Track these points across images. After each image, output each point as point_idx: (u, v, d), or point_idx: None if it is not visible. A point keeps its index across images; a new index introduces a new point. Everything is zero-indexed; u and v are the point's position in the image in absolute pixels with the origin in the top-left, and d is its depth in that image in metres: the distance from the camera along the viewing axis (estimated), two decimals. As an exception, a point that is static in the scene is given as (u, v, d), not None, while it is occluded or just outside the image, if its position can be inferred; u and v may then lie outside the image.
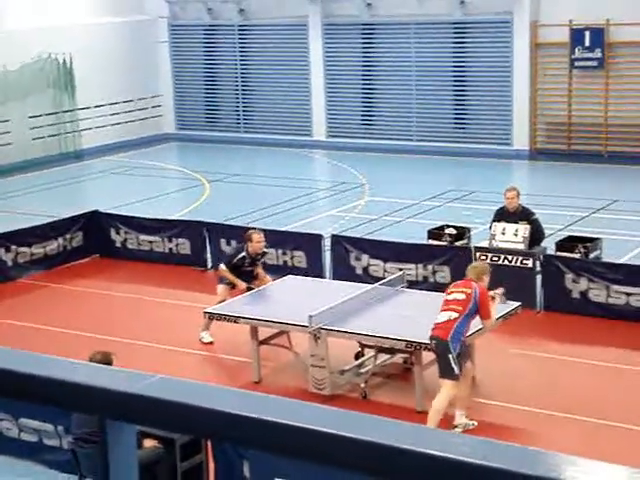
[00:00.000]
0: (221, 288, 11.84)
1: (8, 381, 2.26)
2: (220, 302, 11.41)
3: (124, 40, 26.12)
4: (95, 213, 15.80)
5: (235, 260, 11.83)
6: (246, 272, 11.86)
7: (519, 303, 10.48)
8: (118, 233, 15.57)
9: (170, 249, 15.16)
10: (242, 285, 11.75)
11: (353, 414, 2.05)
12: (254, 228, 12.66)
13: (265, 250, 12.19)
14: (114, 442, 2.13)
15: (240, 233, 14.54)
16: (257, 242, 11.85)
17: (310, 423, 1.99)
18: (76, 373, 2.14)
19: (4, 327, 12.36)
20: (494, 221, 13.11)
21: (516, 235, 12.73)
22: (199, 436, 6.43)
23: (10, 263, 14.55)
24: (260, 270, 12.09)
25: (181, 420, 2.07)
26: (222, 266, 11.93)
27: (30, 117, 23.77)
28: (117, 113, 26.06)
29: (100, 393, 2.06)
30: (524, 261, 12.57)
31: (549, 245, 13.20)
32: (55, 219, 15.60)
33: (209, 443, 7.81)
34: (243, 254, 11.85)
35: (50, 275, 14.74)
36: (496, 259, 12.62)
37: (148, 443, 7.68)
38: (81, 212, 15.89)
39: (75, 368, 2.19)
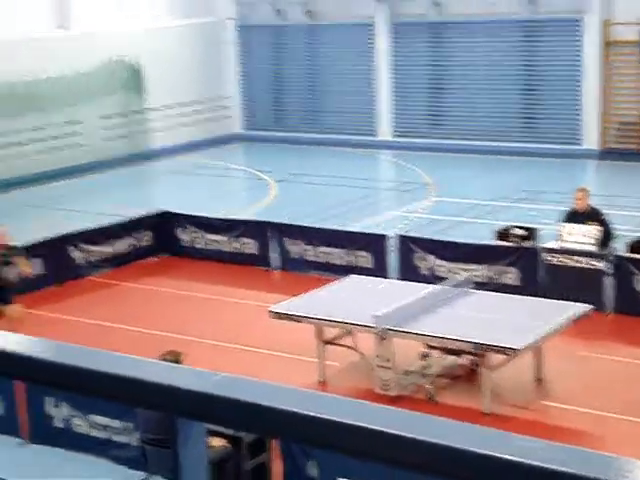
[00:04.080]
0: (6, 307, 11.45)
1: (79, 378, 2.30)
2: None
3: (193, 42, 26.40)
4: (164, 213, 16.00)
5: None
6: (4, 275, 11.43)
7: (589, 305, 10.32)
8: (186, 232, 15.74)
9: (236, 248, 15.27)
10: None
11: (419, 415, 2.04)
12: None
13: (10, 244, 11.72)
14: (184, 440, 2.15)
15: (305, 233, 14.64)
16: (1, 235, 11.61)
17: (375, 424, 1.98)
18: (147, 371, 2.17)
19: (74, 324, 12.59)
20: (564, 222, 12.93)
21: (585, 236, 12.53)
22: (266, 435, 6.47)
23: (81, 261, 14.81)
24: (20, 259, 11.69)
25: (249, 419, 2.08)
26: None
27: (101, 118, 24.17)
28: (186, 114, 26.35)
29: (171, 391, 2.08)
30: (593, 262, 12.37)
31: (620, 247, 12.97)
32: (125, 218, 15.84)
33: (274, 442, 7.85)
34: None
35: (119, 273, 14.97)
36: (565, 260, 12.45)
37: (216, 442, 7.75)
38: (150, 212, 16.12)
39: (146, 366, 2.22)
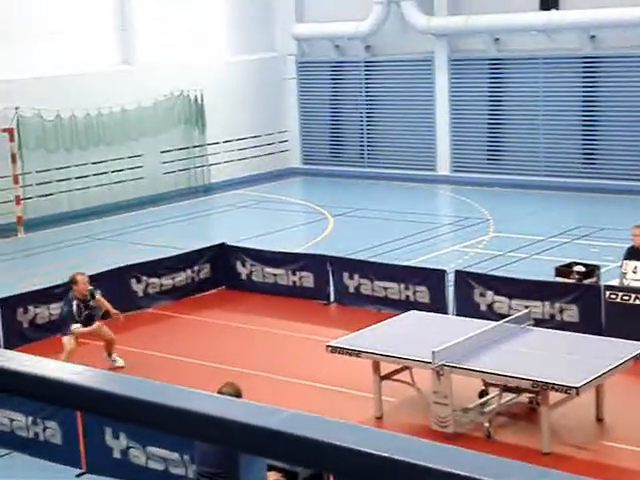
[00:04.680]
0: (66, 339, 12.00)
1: (140, 411, 2.32)
2: (69, 353, 11.72)
3: (253, 77, 26.73)
4: (222, 246, 16.13)
5: (74, 311, 12.00)
6: (88, 319, 12.12)
7: (651, 344, 10.14)
8: (244, 265, 15.84)
9: (294, 282, 15.31)
10: (98, 326, 12.21)
11: (476, 454, 2.03)
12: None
13: (91, 288, 12.29)
14: (246, 474, 2.17)
15: (362, 267, 14.63)
16: (83, 283, 12.11)
17: (432, 462, 1.98)
18: (211, 405, 2.19)
19: (134, 355, 12.70)
20: (625, 259, 12.75)
21: (648, 274, 12.33)
22: (325, 471, 6.44)
23: (140, 293, 14.97)
24: (103, 303, 12.38)
25: (309, 455, 2.09)
26: (74, 327, 12.00)
27: (162, 152, 24.54)
28: (245, 148, 26.62)
29: (235, 426, 2.10)
30: (656, 301, 12.15)
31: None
32: (184, 251, 16.00)
33: (331, 477, 7.81)
34: (74, 302, 12.03)
35: (178, 306, 15.10)
36: (627, 298, 12.26)
37: (272, 476, 7.73)
38: (209, 245, 16.26)
39: (211, 400, 2.25)
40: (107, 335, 12.38)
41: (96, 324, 12.29)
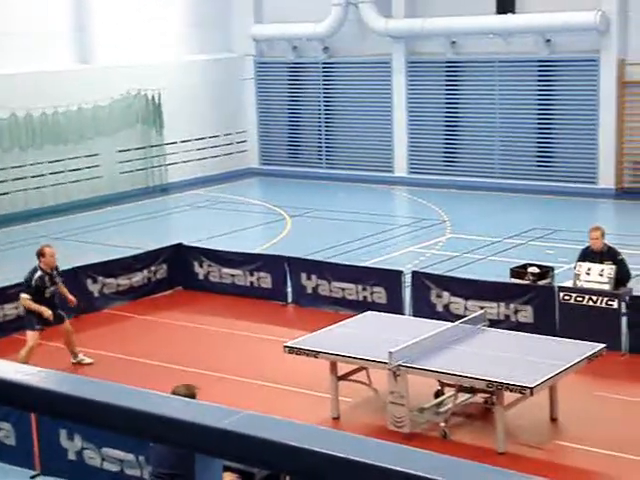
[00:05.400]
0: (30, 335, 11.68)
1: (94, 411, 2.32)
2: (31, 349, 11.39)
3: (211, 77, 26.64)
4: (179, 246, 16.07)
5: (34, 282, 11.65)
6: (50, 295, 11.76)
7: (604, 345, 10.29)
8: (201, 266, 15.78)
9: (251, 283, 15.30)
10: (47, 312, 11.61)
11: (431, 454, 2.05)
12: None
13: (58, 266, 12.05)
14: (201, 475, 2.17)
15: (320, 268, 14.66)
16: (50, 256, 11.83)
17: (387, 462, 2.00)
18: (167, 407, 2.19)
19: (90, 356, 12.59)
20: (579, 261, 12.91)
21: (601, 275, 12.51)
22: (282, 472, 6.45)
23: (96, 294, 14.86)
24: (62, 288, 12.07)
25: (266, 456, 2.11)
26: (23, 295, 11.67)
27: (119, 151, 24.37)
28: (203, 148, 26.53)
29: (190, 427, 2.11)
30: (609, 302, 12.33)
31: (635, 286, 12.93)
32: (140, 251, 15.91)
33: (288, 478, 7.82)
34: (39, 273, 11.70)
35: (134, 306, 15.01)
36: (580, 299, 12.42)
37: (228, 477, 7.72)
38: (166, 245, 16.19)
39: (166, 401, 2.25)
40: (67, 328, 12.05)
41: (66, 324, 12.02)
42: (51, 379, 2.45)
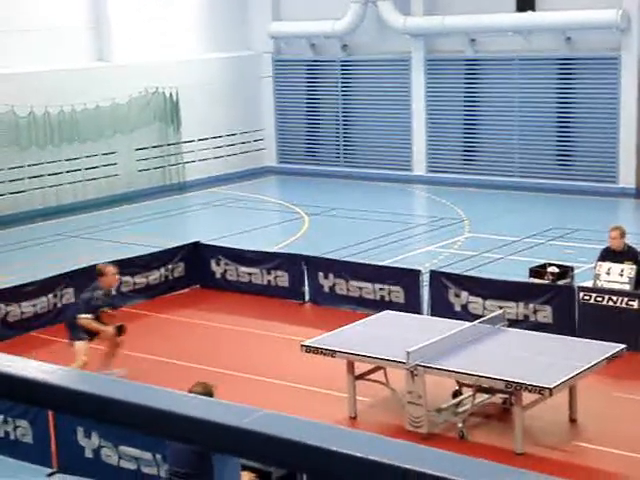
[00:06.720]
0: (80, 345, 11.16)
1: (112, 410, 2.30)
2: (84, 364, 10.83)
3: (229, 75, 26.66)
4: (197, 244, 16.06)
5: (94, 302, 11.14)
6: (105, 313, 11.22)
7: (624, 345, 10.19)
8: (218, 264, 15.77)
9: (269, 281, 15.27)
10: (109, 331, 11.18)
11: (449, 454, 2.02)
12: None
13: (114, 290, 11.65)
14: (219, 474, 2.15)
15: (337, 267, 14.62)
16: (112, 274, 11.46)
17: (405, 462, 1.98)
18: (186, 405, 2.17)
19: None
20: (599, 260, 12.82)
21: (621, 275, 12.41)
22: (299, 471, 6.42)
23: (113, 292, 14.84)
24: (111, 313, 11.46)
25: (284, 455, 2.08)
26: (83, 316, 11.06)
27: (136, 150, 24.42)
28: (220, 146, 26.56)
29: (209, 426, 2.08)
30: (629, 302, 12.23)
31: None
32: (158, 249, 15.91)
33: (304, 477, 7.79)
34: (99, 292, 11.23)
35: (151, 304, 15.02)
36: (600, 299, 12.32)
37: (245, 476, 7.70)
38: (183, 243, 16.19)
39: (185, 400, 2.22)
40: (118, 340, 11.54)
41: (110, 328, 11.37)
42: (69, 377, 2.44)
